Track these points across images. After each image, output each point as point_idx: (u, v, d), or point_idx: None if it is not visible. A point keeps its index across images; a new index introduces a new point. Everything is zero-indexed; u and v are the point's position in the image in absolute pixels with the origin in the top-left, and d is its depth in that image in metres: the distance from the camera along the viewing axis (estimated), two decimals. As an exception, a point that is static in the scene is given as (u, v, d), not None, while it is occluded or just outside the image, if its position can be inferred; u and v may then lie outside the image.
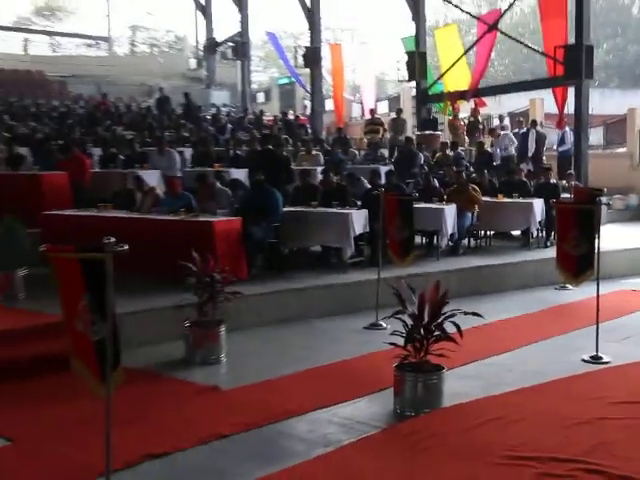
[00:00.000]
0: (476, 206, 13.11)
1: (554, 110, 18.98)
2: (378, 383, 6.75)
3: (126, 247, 4.25)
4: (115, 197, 12.09)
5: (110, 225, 10.12)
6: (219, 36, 32.92)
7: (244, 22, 30.82)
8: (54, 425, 5.91)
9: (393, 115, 22.31)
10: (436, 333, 6.14)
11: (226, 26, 32.89)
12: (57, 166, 13.85)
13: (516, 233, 14.21)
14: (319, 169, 14.85)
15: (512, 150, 18.92)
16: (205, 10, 33.01)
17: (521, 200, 13.38)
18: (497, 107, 24.21)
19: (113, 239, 4.21)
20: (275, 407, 6.24)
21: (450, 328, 6.17)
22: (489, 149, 18.91)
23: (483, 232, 13.93)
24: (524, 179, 14.62)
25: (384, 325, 8.74)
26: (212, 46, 32.86)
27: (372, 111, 22.87)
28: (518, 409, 6.17)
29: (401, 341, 6.19)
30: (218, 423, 5.88)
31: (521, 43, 23.85)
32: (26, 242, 9.15)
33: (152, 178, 13.19)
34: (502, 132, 19.92)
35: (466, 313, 6.29)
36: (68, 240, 9.16)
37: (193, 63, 37.46)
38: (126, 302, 8.43)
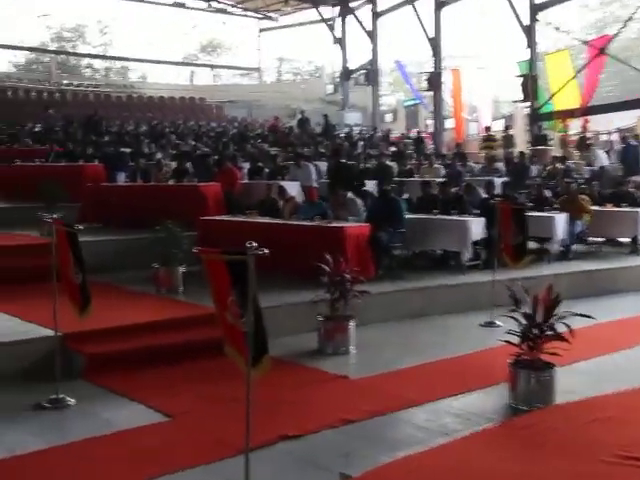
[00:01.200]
0: (586, 215, 12.53)
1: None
2: (492, 378, 6.39)
3: (266, 251, 4.12)
4: (260, 205, 12.13)
5: (256, 229, 10.15)
6: (352, 65, 33.18)
7: (374, 52, 30.88)
8: (207, 404, 5.90)
9: (505, 132, 21.73)
10: (548, 332, 5.76)
11: (359, 56, 33.06)
12: (213, 178, 14.06)
13: (625, 240, 13.40)
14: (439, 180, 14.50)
15: (602, 162, 18.13)
16: (341, 43, 33.22)
17: (628, 209, 12.70)
18: (606, 124, 23.18)
19: (255, 243, 4.11)
20: (398, 396, 6.02)
21: (562, 328, 5.78)
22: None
23: (592, 238, 13.22)
24: (631, 190, 13.85)
25: (499, 323, 8.34)
26: (346, 74, 33.06)
27: (487, 129, 22.37)
28: (630, 409, 5.70)
29: (515, 339, 5.84)
30: (346, 409, 5.70)
31: (629, 65, 22.76)
32: (185, 243, 9.25)
33: (292, 188, 13.17)
34: (592, 148, 19.16)
35: (578, 314, 5.88)
36: (221, 241, 9.35)
37: (330, 89, 37.60)
38: (268, 297, 8.43)
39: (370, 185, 13.87)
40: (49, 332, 6.42)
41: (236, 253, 4.16)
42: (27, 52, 43.41)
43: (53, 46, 46.85)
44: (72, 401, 5.91)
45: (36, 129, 21.89)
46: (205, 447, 5.03)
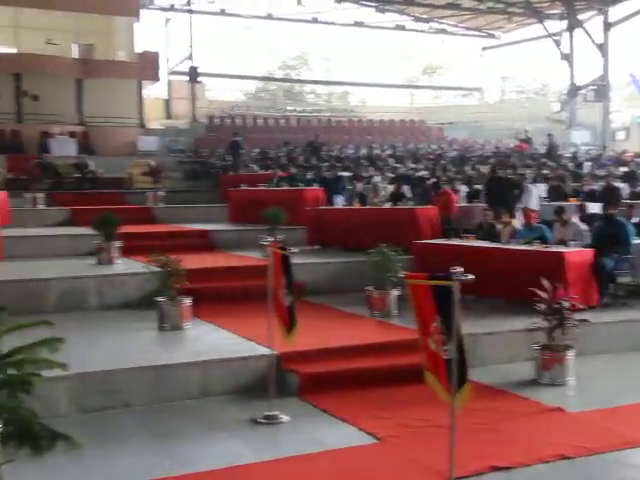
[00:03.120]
0: None
1: None
2: None
3: (471, 276, 4.14)
4: (478, 229, 12.03)
5: (472, 253, 10.08)
6: (581, 80, 31.92)
7: (605, 66, 29.55)
8: (414, 429, 5.96)
9: None
10: None
11: (587, 71, 31.81)
12: (430, 201, 14.15)
13: None
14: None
15: None
16: (568, 58, 32.17)
17: None
18: None
19: (460, 268, 4.14)
20: (617, 434, 5.73)
21: None
22: None
23: None
24: None
25: None
26: (574, 90, 32.00)
27: None
28: None
29: None
30: (560, 444, 5.51)
31: None
32: (400, 266, 9.39)
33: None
34: None
35: None
36: (436, 266, 9.38)
37: (556, 106, 36.46)
38: (482, 323, 8.37)
39: (595, 207, 13.28)
40: (265, 350, 6.84)
41: (442, 278, 4.22)
42: (256, 81, 46.33)
43: (279, 74, 49.64)
44: (285, 418, 6.23)
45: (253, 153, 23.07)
46: (411, 473, 5.10)
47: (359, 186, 16.72)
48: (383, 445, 5.66)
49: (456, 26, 39.19)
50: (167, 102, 34.50)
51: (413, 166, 20.63)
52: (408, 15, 37.73)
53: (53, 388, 6.02)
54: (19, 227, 14.26)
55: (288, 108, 39.25)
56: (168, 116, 33.77)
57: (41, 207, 16.67)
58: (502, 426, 5.99)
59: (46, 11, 26.44)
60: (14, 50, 27.07)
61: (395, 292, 9.38)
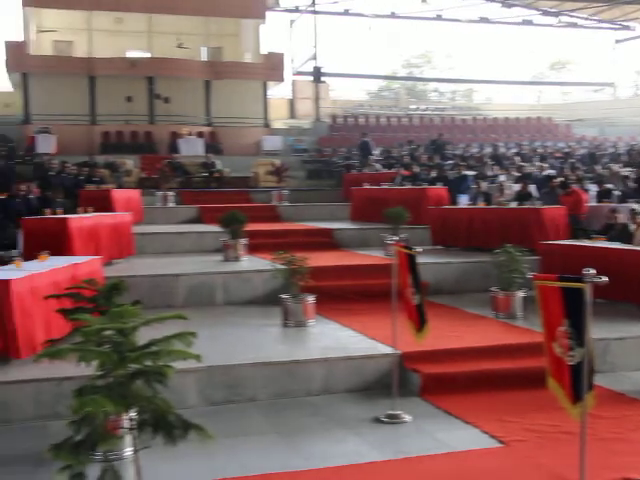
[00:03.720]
0: None
1: None
2: None
3: (604, 278, 4.00)
4: (607, 229, 11.60)
5: (602, 255, 9.72)
6: None
7: None
8: (540, 435, 5.82)
9: None
10: None
11: None
12: (558, 201, 13.76)
13: None
14: None
15: None
16: None
17: None
18: None
19: (593, 270, 4.01)
20: None
21: None
22: None
23: None
24: None
25: None
26: None
27: None
28: None
29: None
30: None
31: None
32: (526, 267, 9.19)
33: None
34: None
35: None
36: (563, 267, 9.15)
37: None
38: (612, 328, 8.08)
39: None
40: (389, 350, 6.86)
41: (573, 280, 4.10)
42: (379, 80, 46.38)
43: (402, 73, 49.49)
44: (408, 418, 6.22)
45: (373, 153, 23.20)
46: (538, 479, 4.98)
47: (484, 185, 16.45)
48: (508, 449, 5.56)
49: (588, 19, 37.83)
50: (291, 102, 35.09)
51: (540, 164, 20.07)
52: (536, 9, 36.74)
53: (183, 380, 6.27)
54: (150, 224, 14.88)
55: (411, 107, 39.09)
56: (292, 116, 34.33)
57: (171, 205, 17.31)
58: (636, 436, 5.75)
59: (177, 16, 27.46)
60: (147, 54, 28.26)
61: (521, 293, 9.19)
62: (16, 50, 26.06)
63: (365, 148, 22.83)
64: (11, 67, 26.35)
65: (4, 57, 26.31)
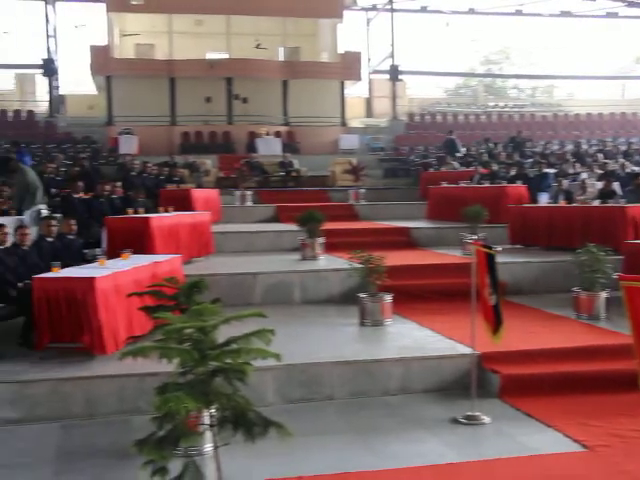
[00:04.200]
0: None
1: None
2: None
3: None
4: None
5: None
6: None
7: None
8: (626, 440, 5.65)
9: None
10: None
11: None
12: (641, 198, 13.36)
13: None
14: None
15: None
16: None
17: None
18: None
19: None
20: None
21: None
22: None
23: None
24: None
25: None
26: None
27: None
28: None
29: None
30: None
31: None
32: (609, 267, 8.95)
33: None
34: None
35: None
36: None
37: None
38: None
39: None
40: (467, 350, 6.77)
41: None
42: (456, 77, 45.83)
43: (481, 70, 48.80)
44: (487, 419, 6.14)
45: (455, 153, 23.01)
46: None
47: (565, 183, 16.05)
48: (592, 454, 5.41)
49: (676, 10, 36.56)
50: (368, 100, 35.02)
51: (624, 162, 19.49)
52: (622, 0, 35.65)
53: (261, 378, 6.32)
54: (228, 223, 15.09)
55: (489, 104, 38.50)
56: (369, 114, 34.27)
57: (249, 204, 17.51)
58: None
59: (255, 17, 27.77)
60: (226, 56, 28.66)
61: (604, 294, 8.95)
62: (100, 54, 26.86)
63: (451, 146, 22.63)
64: (95, 70, 27.20)
65: (89, 61, 27.15)
